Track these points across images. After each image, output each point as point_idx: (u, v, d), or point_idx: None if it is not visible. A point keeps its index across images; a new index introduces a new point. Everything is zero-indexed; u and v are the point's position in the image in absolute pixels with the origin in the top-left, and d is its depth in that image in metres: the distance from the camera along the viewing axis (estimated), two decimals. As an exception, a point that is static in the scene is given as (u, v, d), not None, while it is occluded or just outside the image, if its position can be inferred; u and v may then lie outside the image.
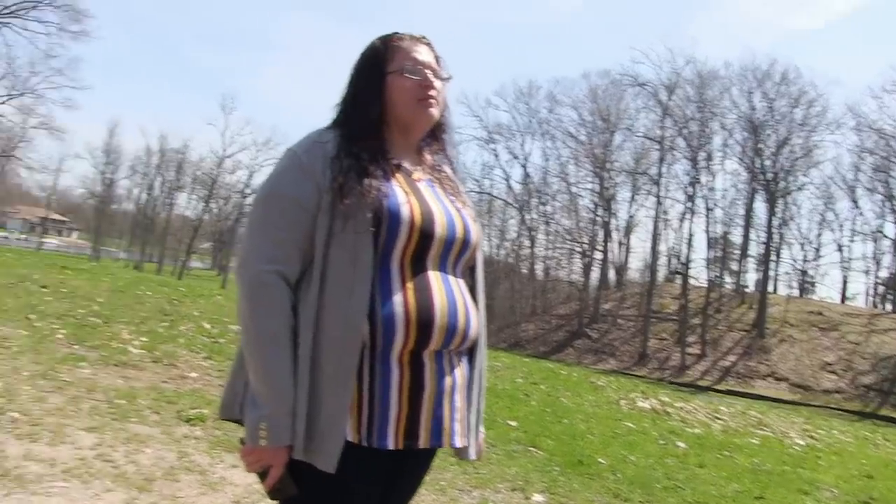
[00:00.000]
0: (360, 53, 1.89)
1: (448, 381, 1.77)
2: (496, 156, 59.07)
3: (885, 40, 78.46)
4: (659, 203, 50.36)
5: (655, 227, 50.04)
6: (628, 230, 54.77)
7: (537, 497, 4.99)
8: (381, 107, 1.82)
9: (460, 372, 1.83)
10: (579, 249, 54.29)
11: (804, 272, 54.91)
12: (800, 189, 50.76)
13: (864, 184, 50.98)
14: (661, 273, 53.12)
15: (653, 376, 39.96)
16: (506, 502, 4.80)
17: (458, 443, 1.81)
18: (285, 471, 1.62)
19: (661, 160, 50.23)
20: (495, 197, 58.23)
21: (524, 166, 56.52)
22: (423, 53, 1.87)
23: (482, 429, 2.00)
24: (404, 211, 1.70)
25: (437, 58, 1.91)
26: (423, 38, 1.92)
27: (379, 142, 1.80)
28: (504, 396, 9.35)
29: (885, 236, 50.42)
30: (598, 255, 53.54)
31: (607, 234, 53.59)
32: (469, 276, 1.92)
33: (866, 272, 53.27)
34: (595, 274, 53.35)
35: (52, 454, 4.12)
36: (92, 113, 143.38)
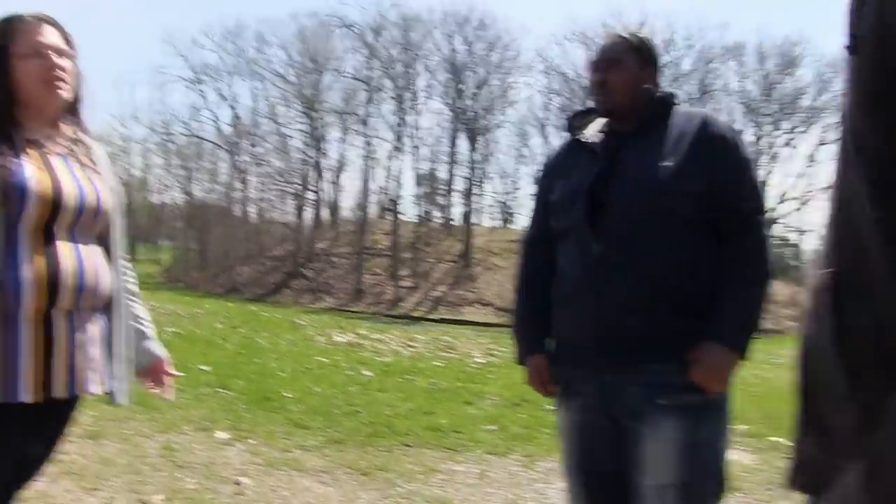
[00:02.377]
0: None
1: (80, 336, 1.97)
2: (204, 97, 56.43)
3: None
4: (368, 142, 51.47)
5: (365, 166, 51.20)
6: (339, 170, 55.36)
7: (221, 434, 5.25)
8: (9, 88, 1.91)
9: (95, 327, 2.03)
10: (292, 190, 54.23)
11: (504, 203, 59.26)
12: (498, 127, 54.61)
13: (553, 122, 55.68)
14: (373, 210, 54.61)
15: (369, 311, 41.28)
16: (190, 442, 4.98)
17: (95, 390, 2.03)
18: None
19: (369, 100, 51.16)
20: (204, 139, 56.16)
21: (233, 108, 55.09)
22: (47, 34, 1.96)
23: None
24: (32, 185, 1.85)
25: (66, 38, 2.01)
26: (49, 17, 1.99)
27: (8, 121, 1.90)
28: (200, 342, 9.42)
29: (567, 169, 55.48)
30: (311, 196, 53.87)
31: (319, 174, 53.85)
32: (105, 240, 2.09)
33: (557, 202, 58.52)
34: (309, 214, 53.74)
35: None
36: None
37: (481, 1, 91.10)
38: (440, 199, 57.54)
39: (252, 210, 56.30)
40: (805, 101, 46.76)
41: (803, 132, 46.64)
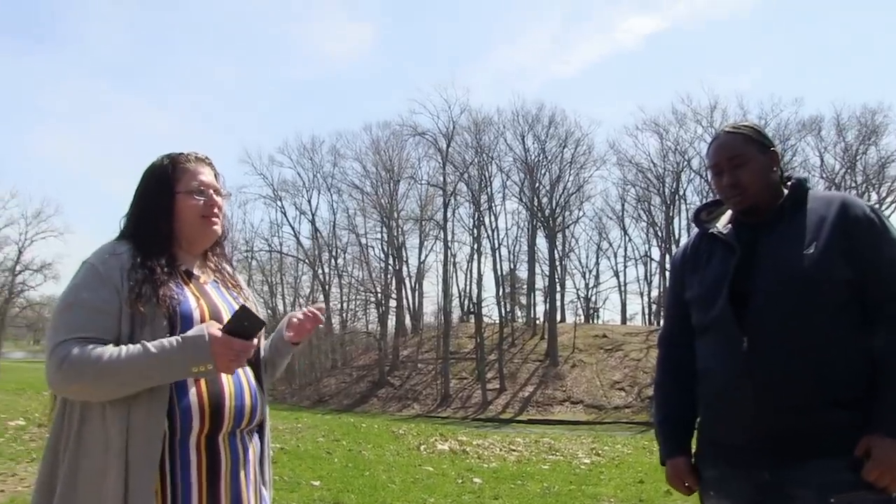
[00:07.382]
0: (147, 170, 2.09)
1: (241, 457, 2.00)
2: (283, 213, 58.50)
3: (634, 83, 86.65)
4: (447, 247, 52.09)
5: (445, 271, 51.63)
6: (420, 276, 56.05)
7: (342, 552, 5.15)
8: (171, 223, 2.04)
9: (252, 448, 2.07)
10: (374, 299, 54.86)
11: (587, 299, 58.76)
12: (576, 222, 54.61)
13: (630, 213, 55.60)
14: (456, 314, 54.70)
15: (457, 416, 40.92)
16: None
17: None
18: None
19: (446, 205, 52.08)
20: (285, 254, 57.82)
21: (312, 221, 56.57)
22: (206, 174, 2.11)
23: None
24: (196, 315, 1.94)
25: (216, 175, 2.16)
26: (206, 158, 2.15)
27: (170, 253, 2.02)
28: (306, 457, 9.36)
29: (653, 259, 55.05)
30: (393, 303, 54.37)
31: (400, 282, 54.57)
32: (254, 359, 2.13)
33: (641, 293, 57.82)
34: (391, 322, 54.11)
35: None
36: None
37: (550, 98, 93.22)
38: (522, 299, 57.44)
39: (335, 321, 57.03)
40: (892, 171, 45.35)
41: (894, 201, 45.12)
